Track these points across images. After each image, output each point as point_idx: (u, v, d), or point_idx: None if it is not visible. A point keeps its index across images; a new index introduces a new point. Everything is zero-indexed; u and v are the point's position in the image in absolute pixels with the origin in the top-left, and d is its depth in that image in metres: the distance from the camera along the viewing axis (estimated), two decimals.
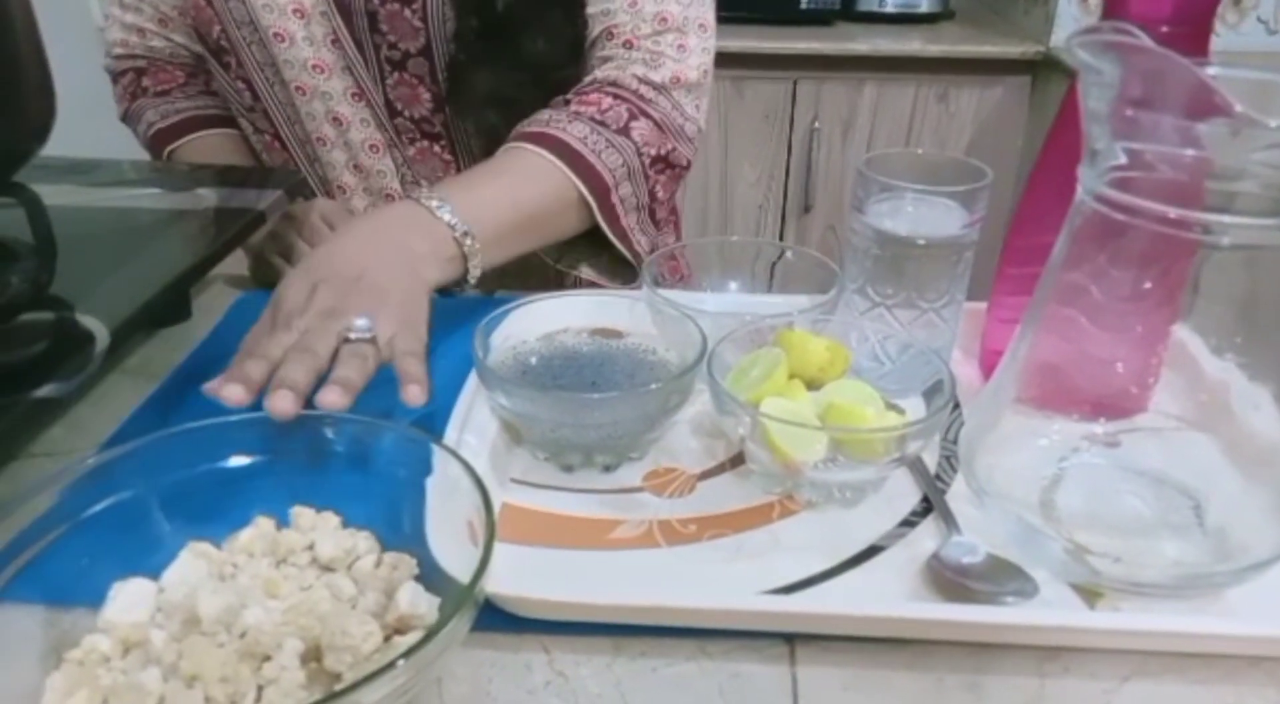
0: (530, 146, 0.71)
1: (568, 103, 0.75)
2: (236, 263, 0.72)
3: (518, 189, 0.69)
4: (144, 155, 0.88)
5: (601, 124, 0.72)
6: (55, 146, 0.61)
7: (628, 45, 0.75)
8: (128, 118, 0.88)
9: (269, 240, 0.76)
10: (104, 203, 0.71)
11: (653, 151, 0.74)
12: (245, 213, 0.67)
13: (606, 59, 0.76)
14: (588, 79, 0.76)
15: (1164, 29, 0.47)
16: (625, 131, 0.73)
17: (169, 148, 0.85)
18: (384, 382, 0.63)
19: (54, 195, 0.65)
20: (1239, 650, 0.42)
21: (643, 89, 0.74)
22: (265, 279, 0.77)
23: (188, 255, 0.62)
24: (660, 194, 0.77)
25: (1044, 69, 1.80)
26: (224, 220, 0.68)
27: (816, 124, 1.88)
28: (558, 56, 0.76)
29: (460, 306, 0.73)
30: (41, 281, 0.56)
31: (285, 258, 0.76)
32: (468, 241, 0.64)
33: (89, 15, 2.09)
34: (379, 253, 0.59)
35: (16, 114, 0.57)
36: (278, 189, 0.71)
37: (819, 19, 1.92)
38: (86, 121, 0.89)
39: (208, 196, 0.72)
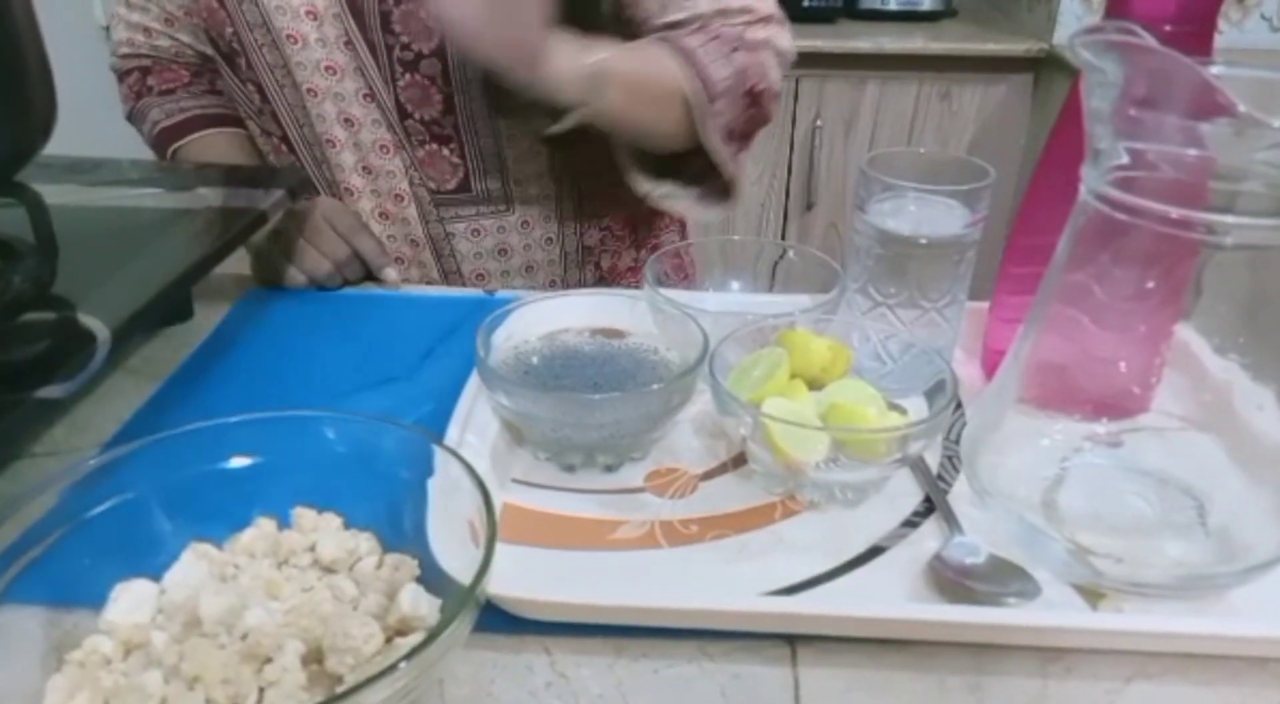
0: (652, 42, 0.75)
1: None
2: (239, 262, 0.72)
3: (641, 61, 0.74)
4: (146, 154, 0.88)
5: (712, 47, 0.76)
6: (57, 146, 0.61)
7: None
8: (133, 117, 0.88)
9: (271, 239, 0.76)
10: (106, 202, 0.71)
11: (747, 84, 0.77)
12: (247, 212, 0.67)
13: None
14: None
15: (1167, 28, 0.47)
16: (730, 57, 0.75)
17: (173, 146, 0.85)
18: (386, 381, 0.63)
19: (56, 195, 0.65)
20: (1242, 651, 0.42)
21: (741, 41, 0.77)
22: (267, 278, 0.77)
23: (190, 255, 0.62)
24: (739, 129, 0.79)
25: (1047, 67, 1.80)
26: (226, 219, 0.68)
27: (819, 122, 1.87)
28: None
29: (462, 306, 0.73)
30: (43, 281, 0.56)
31: (287, 256, 0.76)
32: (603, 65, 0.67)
33: (91, 14, 2.09)
34: None
35: (18, 113, 0.57)
36: (280, 188, 0.71)
37: (821, 17, 1.92)
38: (88, 120, 0.89)
39: (210, 196, 0.72)
